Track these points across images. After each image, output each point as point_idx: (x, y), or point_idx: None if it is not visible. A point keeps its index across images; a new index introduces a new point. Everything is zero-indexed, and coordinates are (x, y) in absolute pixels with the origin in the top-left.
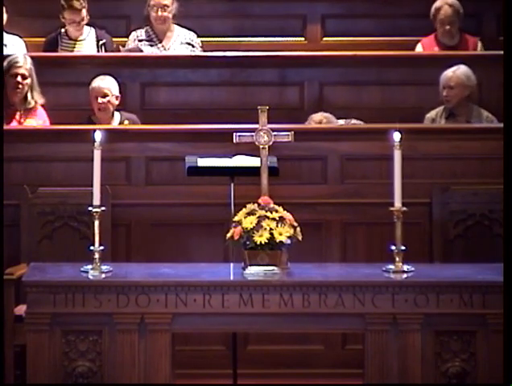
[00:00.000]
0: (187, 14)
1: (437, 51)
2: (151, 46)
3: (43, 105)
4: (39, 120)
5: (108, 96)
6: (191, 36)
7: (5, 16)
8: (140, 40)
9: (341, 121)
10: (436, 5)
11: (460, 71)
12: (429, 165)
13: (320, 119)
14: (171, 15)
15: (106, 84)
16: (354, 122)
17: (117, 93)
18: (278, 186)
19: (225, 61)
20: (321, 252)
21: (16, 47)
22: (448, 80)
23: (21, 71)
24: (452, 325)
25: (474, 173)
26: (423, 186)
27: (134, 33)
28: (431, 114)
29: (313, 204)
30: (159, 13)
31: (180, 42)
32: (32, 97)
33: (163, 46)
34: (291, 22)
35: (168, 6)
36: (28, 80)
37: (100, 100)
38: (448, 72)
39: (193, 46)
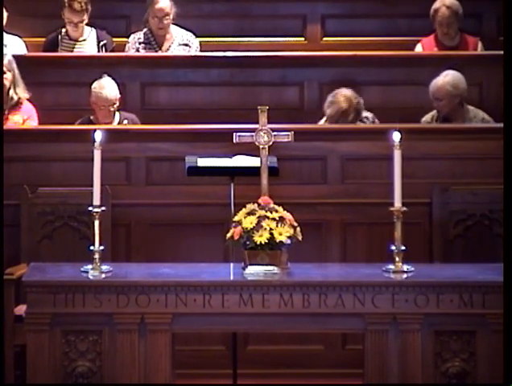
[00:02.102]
0: (186, 14)
1: (437, 51)
2: (150, 50)
3: (31, 101)
4: (23, 115)
5: (115, 104)
6: (188, 37)
7: (5, 16)
8: (140, 43)
9: (368, 114)
10: (435, 6)
11: (447, 79)
12: (429, 165)
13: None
14: (171, 21)
15: (113, 94)
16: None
17: (119, 95)
18: (278, 186)
19: (225, 61)
20: (321, 252)
21: (16, 47)
22: (436, 92)
23: None
24: (451, 325)
25: (474, 173)
26: (423, 186)
27: (133, 35)
28: (427, 118)
29: (313, 204)
30: (161, 24)
31: (178, 43)
32: (16, 93)
33: (161, 50)
34: (291, 22)
35: (169, 14)
36: (8, 75)
37: (107, 108)
38: (437, 82)
39: (189, 46)
